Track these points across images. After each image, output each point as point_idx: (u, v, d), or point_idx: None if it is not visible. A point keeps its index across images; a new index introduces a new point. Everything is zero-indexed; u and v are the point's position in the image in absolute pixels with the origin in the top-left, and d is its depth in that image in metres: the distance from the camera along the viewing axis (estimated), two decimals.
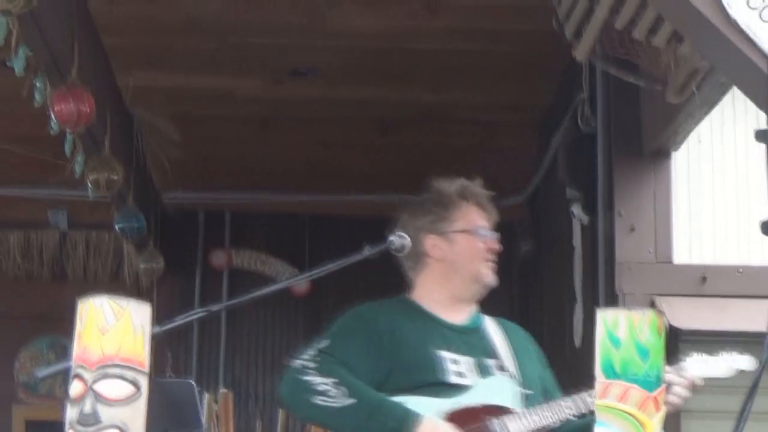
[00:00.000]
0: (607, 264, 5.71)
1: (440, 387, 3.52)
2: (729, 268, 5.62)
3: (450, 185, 3.81)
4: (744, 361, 3.44)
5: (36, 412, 8.55)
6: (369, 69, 6.74)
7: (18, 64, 5.04)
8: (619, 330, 2.65)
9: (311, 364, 3.49)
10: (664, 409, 2.61)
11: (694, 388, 3.50)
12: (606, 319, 2.69)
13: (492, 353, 3.67)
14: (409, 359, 3.59)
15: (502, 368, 3.63)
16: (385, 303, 3.83)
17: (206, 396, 6.15)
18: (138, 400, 2.68)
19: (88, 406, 2.65)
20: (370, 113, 7.37)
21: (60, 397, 2.81)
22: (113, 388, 2.66)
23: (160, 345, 7.84)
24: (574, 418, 3.50)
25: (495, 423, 3.44)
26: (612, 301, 5.51)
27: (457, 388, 3.54)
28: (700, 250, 5.76)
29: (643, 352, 2.63)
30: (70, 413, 2.68)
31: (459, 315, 3.74)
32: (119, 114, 6.62)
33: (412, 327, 3.66)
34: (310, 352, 3.55)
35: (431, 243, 3.70)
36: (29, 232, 9.32)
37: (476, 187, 3.84)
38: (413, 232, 3.66)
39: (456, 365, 3.57)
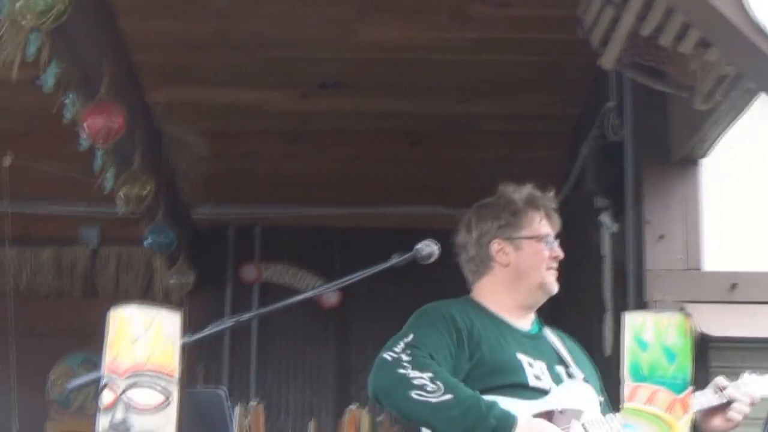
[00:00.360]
0: (636, 272, 5.69)
1: (521, 389, 3.52)
2: (759, 275, 5.60)
3: (519, 192, 3.84)
4: None
5: (69, 427, 8.58)
6: (397, 81, 6.74)
7: (48, 80, 5.08)
8: (646, 333, 2.65)
9: (405, 357, 3.43)
10: (691, 413, 2.62)
11: (753, 404, 3.54)
12: (633, 322, 2.69)
13: (560, 360, 3.70)
14: (491, 359, 3.57)
15: (570, 375, 3.66)
16: (455, 302, 3.80)
17: (237, 409, 6.17)
18: (168, 409, 2.70)
19: (119, 415, 2.67)
20: (398, 125, 7.36)
21: (91, 413, 2.81)
22: (144, 396, 2.67)
23: (191, 358, 7.89)
24: None
25: (580, 426, 3.46)
26: (641, 309, 5.49)
27: (537, 392, 3.54)
28: (730, 257, 5.74)
29: (670, 355, 2.63)
30: (102, 422, 2.69)
31: (523, 321, 3.78)
32: (148, 130, 6.66)
33: (488, 328, 3.66)
34: (400, 346, 3.49)
35: (498, 248, 3.72)
36: (60, 248, 9.38)
37: (544, 196, 3.90)
38: (480, 236, 3.74)
39: (533, 369, 3.58)
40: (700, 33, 4.26)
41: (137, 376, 2.68)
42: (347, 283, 3.53)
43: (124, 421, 2.66)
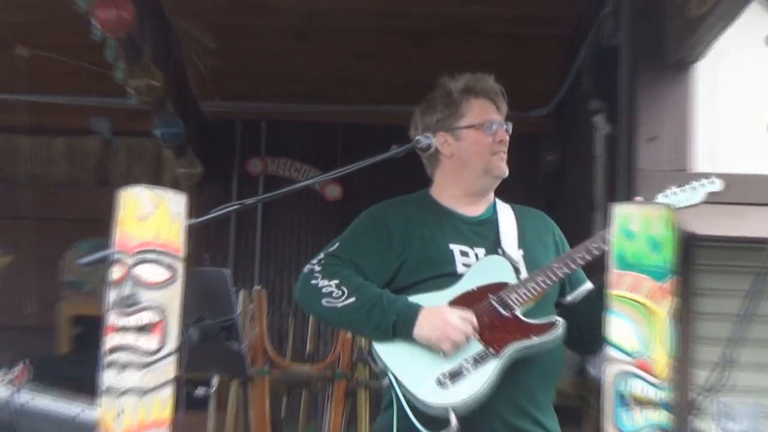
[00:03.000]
0: (626, 172, 5.71)
1: (449, 278, 3.48)
2: (749, 177, 5.60)
3: (456, 82, 3.72)
4: (713, 184, 3.29)
5: (81, 308, 8.67)
6: None
7: None
8: (633, 224, 2.69)
9: (317, 268, 3.50)
10: (674, 299, 2.66)
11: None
12: (621, 213, 2.72)
13: (499, 241, 3.58)
14: (420, 253, 3.54)
15: (503, 253, 3.54)
16: (401, 200, 3.77)
17: (241, 294, 6.23)
18: (174, 285, 2.74)
19: (128, 289, 2.71)
20: (402, 25, 7.34)
21: (102, 295, 2.84)
22: (151, 272, 2.71)
23: (198, 247, 7.95)
24: (566, 276, 3.45)
25: (496, 299, 3.39)
26: None
27: (461, 278, 3.50)
28: (719, 159, 5.76)
29: (655, 245, 2.66)
30: (111, 296, 2.74)
31: (474, 208, 3.68)
32: (158, 23, 6.64)
33: (425, 222, 3.62)
34: (319, 256, 3.57)
35: (441, 140, 3.64)
36: (73, 139, 9.39)
37: (484, 80, 3.73)
38: (424, 130, 3.64)
39: (465, 257, 3.52)
40: None
41: (145, 253, 2.72)
42: (349, 171, 3.54)
43: (132, 296, 2.71)
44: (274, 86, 8.67)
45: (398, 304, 3.42)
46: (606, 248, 3.29)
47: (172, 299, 2.73)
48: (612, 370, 2.65)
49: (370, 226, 3.65)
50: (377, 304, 3.43)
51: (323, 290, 3.46)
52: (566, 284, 3.60)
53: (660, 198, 3.29)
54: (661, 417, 2.62)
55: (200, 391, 4.32)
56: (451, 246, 3.54)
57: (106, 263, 2.78)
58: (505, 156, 3.64)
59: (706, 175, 3.23)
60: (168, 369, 2.72)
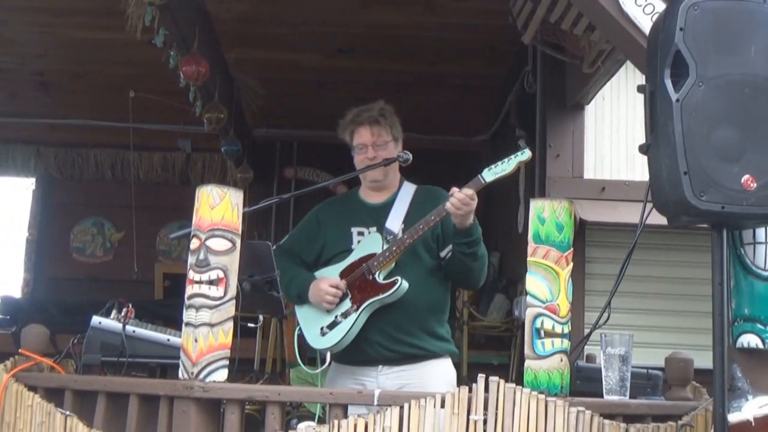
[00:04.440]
0: (540, 179, 5.70)
1: (345, 254, 3.39)
2: (620, 182, 5.62)
3: (347, 115, 3.61)
4: (522, 155, 3.12)
5: (170, 268, 8.65)
6: (389, 49, 6.66)
7: (159, 40, 5.04)
8: (545, 212, 2.68)
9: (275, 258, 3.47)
10: (571, 264, 2.64)
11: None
12: (536, 205, 2.71)
13: (384, 221, 3.40)
14: (331, 237, 3.47)
15: (385, 230, 3.39)
16: (333, 198, 3.70)
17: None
18: (234, 252, 2.73)
19: (202, 255, 2.69)
20: (389, 78, 7.30)
21: (185, 259, 2.82)
22: (218, 243, 2.70)
23: (250, 227, 7.88)
24: (427, 232, 3.24)
25: (365, 267, 3.29)
26: None
27: (352, 252, 3.39)
28: (603, 170, 5.76)
29: (560, 227, 2.66)
30: (190, 259, 2.72)
31: (377, 196, 3.52)
32: (225, 75, 6.60)
33: (340, 212, 3.52)
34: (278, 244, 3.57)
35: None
36: (166, 153, 9.35)
37: (360, 111, 3.57)
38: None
39: (361, 236, 3.41)
40: (588, 20, 4.23)
41: (214, 230, 2.71)
42: (351, 176, 3.55)
43: (205, 259, 2.69)
44: (302, 119, 8.62)
45: (300, 278, 3.39)
46: (438, 219, 3.19)
47: (232, 262, 2.72)
48: (530, 312, 2.64)
49: (308, 219, 3.59)
50: (291, 281, 3.42)
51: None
52: (438, 244, 3.38)
53: (486, 171, 3.14)
54: (564, 344, 2.61)
55: (251, 325, 4.30)
56: (352, 228, 3.44)
57: (187, 237, 2.77)
58: (376, 166, 3.44)
59: (522, 150, 3.11)
60: (229, 309, 2.71)
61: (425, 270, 3.35)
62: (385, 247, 3.30)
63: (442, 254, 3.40)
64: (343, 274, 3.34)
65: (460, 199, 3.12)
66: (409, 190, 3.52)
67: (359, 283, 3.29)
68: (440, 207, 3.18)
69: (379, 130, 3.50)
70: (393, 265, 3.28)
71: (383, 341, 3.27)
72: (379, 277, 3.27)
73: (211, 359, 2.64)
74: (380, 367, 3.27)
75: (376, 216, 3.44)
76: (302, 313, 3.40)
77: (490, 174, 3.15)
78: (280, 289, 3.48)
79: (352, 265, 3.34)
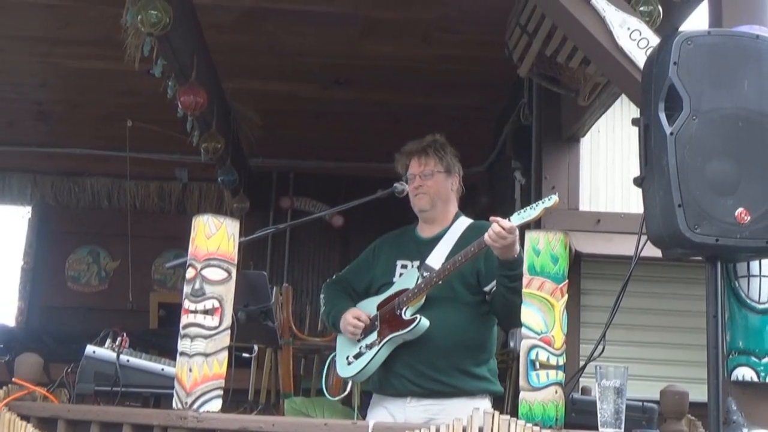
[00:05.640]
0: None
1: (386, 286, 3.42)
2: (615, 214, 5.63)
3: (404, 147, 3.62)
4: (549, 201, 3.08)
5: (165, 297, 8.63)
6: (386, 80, 6.69)
7: (157, 70, 5.06)
8: (540, 244, 2.67)
9: (323, 286, 3.60)
10: (566, 296, 2.64)
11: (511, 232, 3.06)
12: (531, 237, 2.71)
13: (426, 256, 3.40)
14: (379, 268, 3.50)
15: (421, 267, 3.38)
16: (394, 232, 3.67)
17: (274, 290, 6.19)
18: (230, 282, 2.72)
19: (198, 284, 2.69)
20: (387, 110, 7.33)
21: (180, 289, 2.81)
22: (214, 273, 2.70)
23: (245, 257, 7.86)
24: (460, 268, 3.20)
25: (396, 301, 3.31)
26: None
27: (392, 286, 3.42)
28: (598, 202, 5.77)
29: (554, 259, 2.65)
30: (186, 289, 2.71)
31: (428, 230, 3.53)
32: (222, 106, 6.62)
33: (393, 244, 3.55)
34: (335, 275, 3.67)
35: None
36: (162, 182, 9.34)
37: (413, 144, 3.60)
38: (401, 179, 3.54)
39: (404, 270, 3.42)
40: (584, 54, 4.26)
41: (210, 260, 2.70)
42: (347, 207, 3.55)
43: (200, 289, 2.68)
44: (298, 150, 8.65)
45: (337, 308, 3.45)
46: (476, 251, 3.13)
47: (228, 292, 2.72)
48: (525, 343, 2.63)
49: (367, 249, 3.64)
50: (330, 310, 3.47)
51: (321, 300, 3.57)
52: (479, 279, 3.32)
53: (514, 216, 3.10)
54: (559, 376, 2.60)
55: (246, 355, 4.28)
56: (398, 261, 3.46)
57: (183, 266, 2.76)
58: (423, 195, 3.48)
59: (549, 196, 3.12)
60: (224, 339, 2.70)
61: (460, 306, 3.31)
62: (419, 282, 3.30)
63: (486, 289, 3.33)
64: (380, 306, 3.39)
65: (497, 232, 3.06)
66: (461, 225, 3.49)
67: (388, 317, 3.33)
68: (480, 239, 3.13)
69: (427, 159, 3.53)
70: (422, 301, 3.28)
71: (409, 375, 3.29)
72: (405, 314, 3.28)
73: (205, 389, 2.63)
74: (408, 399, 3.29)
75: (423, 250, 3.44)
76: (339, 341, 3.50)
77: (518, 218, 3.11)
78: (321, 316, 3.53)
79: (389, 299, 3.37)
